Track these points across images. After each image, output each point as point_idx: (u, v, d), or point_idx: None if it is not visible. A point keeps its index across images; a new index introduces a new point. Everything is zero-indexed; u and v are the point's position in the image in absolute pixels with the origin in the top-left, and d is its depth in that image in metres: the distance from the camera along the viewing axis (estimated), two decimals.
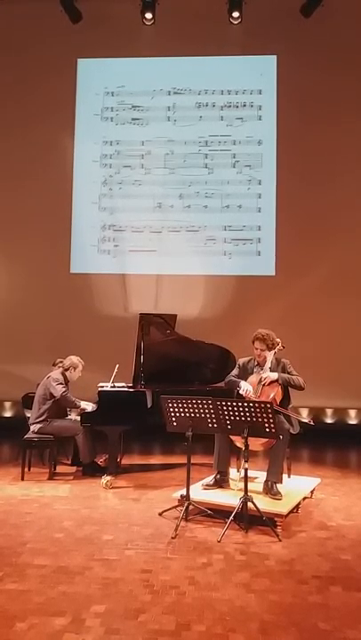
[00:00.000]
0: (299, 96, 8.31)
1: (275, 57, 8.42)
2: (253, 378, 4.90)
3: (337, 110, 8.27)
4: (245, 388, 4.86)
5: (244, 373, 5.04)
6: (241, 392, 4.86)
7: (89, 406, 5.60)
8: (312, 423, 5.09)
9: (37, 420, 5.68)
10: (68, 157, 8.63)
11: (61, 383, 5.70)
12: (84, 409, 5.58)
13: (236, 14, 8.28)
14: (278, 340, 5.01)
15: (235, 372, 5.12)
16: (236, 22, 8.35)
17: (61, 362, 6.01)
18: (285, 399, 4.87)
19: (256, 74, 8.49)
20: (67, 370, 5.84)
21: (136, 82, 8.59)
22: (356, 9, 8.22)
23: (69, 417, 5.89)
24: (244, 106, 8.49)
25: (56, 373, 5.81)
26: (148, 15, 8.37)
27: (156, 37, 8.51)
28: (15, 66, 8.60)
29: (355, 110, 8.25)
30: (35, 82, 8.55)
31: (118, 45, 8.48)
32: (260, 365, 4.95)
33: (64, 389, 5.67)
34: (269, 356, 4.92)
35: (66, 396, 5.65)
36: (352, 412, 8.30)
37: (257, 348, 4.92)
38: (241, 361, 5.15)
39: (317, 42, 8.30)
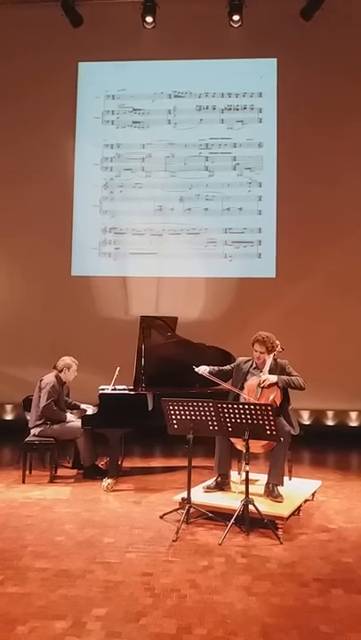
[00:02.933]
0: (299, 99, 8.32)
1: (275, 60, 8.43)
2: (253, 380, 4.89)
3: (337, 112, 8.28)
4: (201, 368, 5.01)
5: (239, 373, 5.04)
6: (196, 370, 5.00)
7: (73, 417, 5.63)
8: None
9: (37, 423, 5.68)
10: (69, 160, 8.64)
11: (50, 390, 5.66)
12: (69, 420, 5.63)
13: (236, 17, 8.27)
14: (278, 342, 5.02)
15: (227, 367, 5.15)
16: (236, 25, 8.35)
17: None
18: (285, 401, 4.87)
19: (256, 77, 8.50)
20: (60, 371, 5.84)
21: (137, 85, 8.60)
22: (355, 12, 8.24)
23: (69, 417, 5.88)
24: (245, 108, 8.50)
25: (49, 377, 5.80)
26: (149, 19, 8.37)
27: (157, 41, 8.52)
28: (16, 69, 8.62)
29: (355, 113, 8.26)
30: (36, 85, 8.56)
31: (119, 49, 8.50)
32: (260, 368, 4.95)
33: (49, 401, 5.63)
34: (269, 358, 4.92)
35: (48, 408, 5.63)
36: (353, 415, 8.29)
37: (256, 351, 4.92)
38: (239, 360, 5.15)
39: (317, 45, 8.30)
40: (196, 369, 5.02)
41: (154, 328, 5.80)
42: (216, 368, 5.09)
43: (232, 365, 5.16)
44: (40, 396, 5.70)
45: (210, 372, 5.02)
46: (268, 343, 4.87)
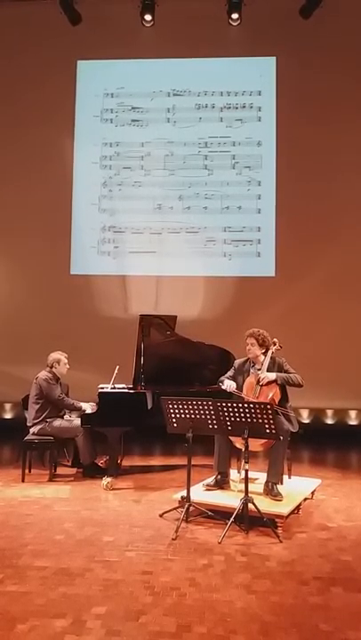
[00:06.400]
0: (298, 97, 8.32)
1: (274, 58, 8.42)
2: (251, 379, 4.90)
3: (336, 111, 8.28)
4: (228, 384, 4.92)
5: (239, 374, 5.06)
6: (223, 387, 4.93)
7: (88, 407, 5.61)
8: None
9: (35, 422, 5.68)
10: (68, 159, 8.63)
11: (53, 384, 5.71)
12: (84, 410, 5.59)
13: (235, 16, 8.27)
14: (276, 340, 5.02)
15: (230, 372, 5.14)
16: (235, 24, 8.35)
17: None
18: (283, 398, 4.88)
19: (255, 75, 8.50)
20: (51, 367, 5.85)
21: (136, 83, 8.59)
22: (355, 10, 8.23)
23: (67, 417, 5.88)
24: (244, 107, 8.49)
25: (44, 374, 5.81)
26: (148, 17, 8.37)
27: (156, 39, 8.51)
28: (15, 68, 8.61)
29: (354, 111, 8.26)
30: (34, 84, 8.56)
31: (118, 47, 8.49)
32: (257, 366, 4.96)
33: (60, 393, 5.70)
34: (266, 356, 4.91)
35: (63, 400, 5.67)
36: (352, 413, 8.29)
37: (247, 344, 4.96)
38: (236, 362, 5.18)
39: (317, 43, 8.30)
40: (223, 386, 4.93)
41: (153, 327, 5.80)
42: (228, 375, 5.08)
43: (233, 371, 5.15)
44: (41, 392, 5.69)
45: (236, 388, 4.97)
46: (259, 337, 4.91)
